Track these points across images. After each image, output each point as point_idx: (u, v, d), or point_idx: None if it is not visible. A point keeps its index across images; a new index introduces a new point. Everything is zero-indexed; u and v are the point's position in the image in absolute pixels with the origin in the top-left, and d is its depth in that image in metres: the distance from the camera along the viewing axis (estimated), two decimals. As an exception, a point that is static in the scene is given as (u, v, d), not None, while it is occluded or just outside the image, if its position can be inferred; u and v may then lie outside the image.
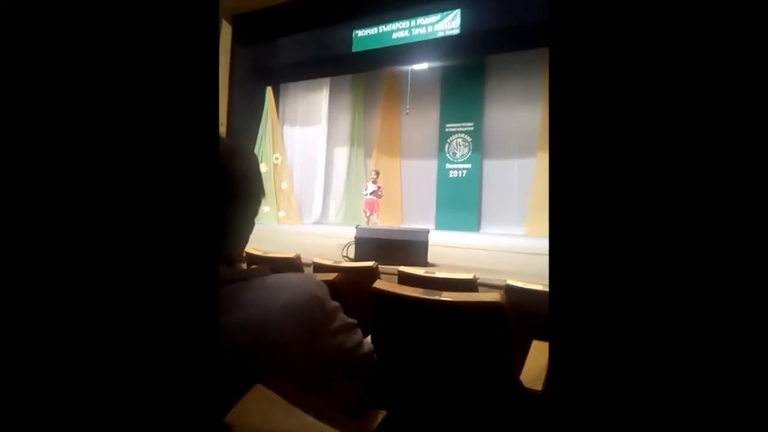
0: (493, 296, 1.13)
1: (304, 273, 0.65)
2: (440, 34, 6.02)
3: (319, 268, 2.17)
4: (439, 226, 7.76)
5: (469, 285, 1.85)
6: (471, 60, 7.23)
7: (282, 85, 8.24)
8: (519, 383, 1.17)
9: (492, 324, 1.13)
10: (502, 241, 5.93)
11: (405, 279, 1.98)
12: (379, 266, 2.19)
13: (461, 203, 7.68)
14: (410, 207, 8.22)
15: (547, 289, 1.76)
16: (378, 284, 1.29)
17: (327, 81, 8.09)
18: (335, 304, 0.60)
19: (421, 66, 7.04)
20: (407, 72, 7.53)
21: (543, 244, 5.39)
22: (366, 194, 6.71)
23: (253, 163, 0.59)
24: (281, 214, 7.67)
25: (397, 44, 6.25)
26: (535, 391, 1.14)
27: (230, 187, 0.54)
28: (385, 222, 7.36)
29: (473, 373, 1.18)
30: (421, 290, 1.24)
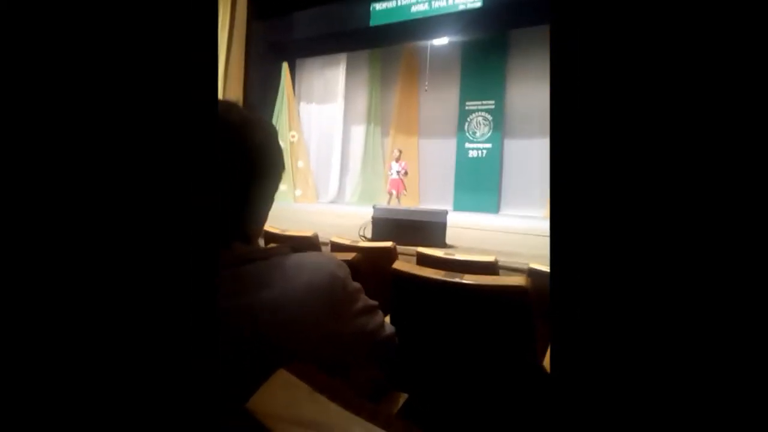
0: (518, 280, 1.08)
1: (325, 253, 0.61)
2: (461, 8, 5.81)
3: (336, 247, 2.15)
4: (458, 207, 7.66)
5: (490, 268, 1.80)
6: (493, 35, 6.98)
7: (298, 61, 8.13)
8: (542, 369, 1.13)
9: (515, 308, 1.09)
10: (523, 223, 5.82)
11: (424, 260, 1.94)
12: (397, 247, 2.16)
13: (481, 184, 7.55)
14: (428, 187, 8.12)
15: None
16: (397, 265, 1.26)
17: (344, 57, 7.94)
18: (357, 285, 0.58)
19: (441, 41, 6.84)
20: (426, 47, 7.32)
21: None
22: (391, 174, 6.62)
23: (272, 135, 0.56)
24: (298, 192, 7.69)
25: (416, 18, 6.07)
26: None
27: (248, 160, 0.51)
28: (402, 202, 7.30)
29: (495, 357, 1.15)
30: (442, 272, 1.21)
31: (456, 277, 1.17)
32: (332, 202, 8.13)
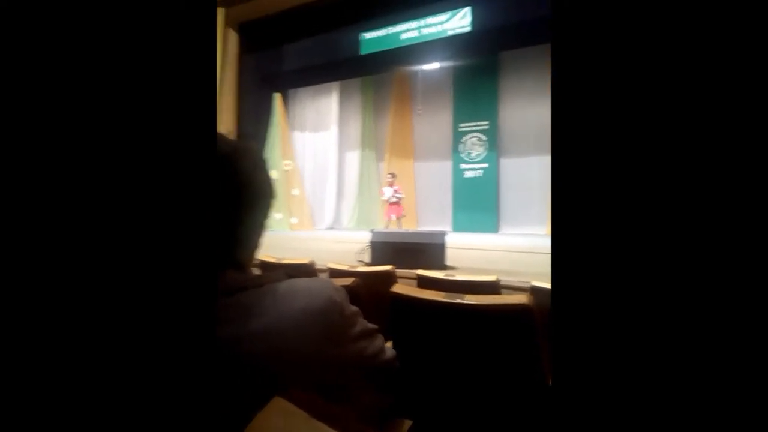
0: (520, 298, 1.05)
1: (321, 278, 0.60)
2: (450, 33, 5.93)
3: (335, 273, 2.10)
4: (457, 228, 7.63)
5: (492, 287, 1.76)
6: (483, 57, 7.12)
7: (291, 91, 8.25)
8: (549, 387, 1.08)
9: (519, 327, 1.05)
10: (523, 241, 5.79)
11: (424, 282, 1.90)
12: (397, 270, 2.11)
13: (478, 204, 7.54)
14: (426, 210, 8.11)
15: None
16: (396, 288, 1.22)
17: (336, 85, 8.07)
18: (355, 308, 0.57)
19: (432, 66, 6.97)
20: (418, 72, 7.46)
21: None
22: (386, 199, 6.59)
23: (260, 163, 0.56)
24: (293, 220, 7.65)
25: (406, 45, 6.19)
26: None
27: (236, 188, 0.52)
28: (401, 225, 7.27)
29: (501, 377, 1.11)
30: (442, 294, 1.17)
31: (457, 298, 1.14)
32: (329, 228, 8.09)
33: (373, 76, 8.04)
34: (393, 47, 6.30)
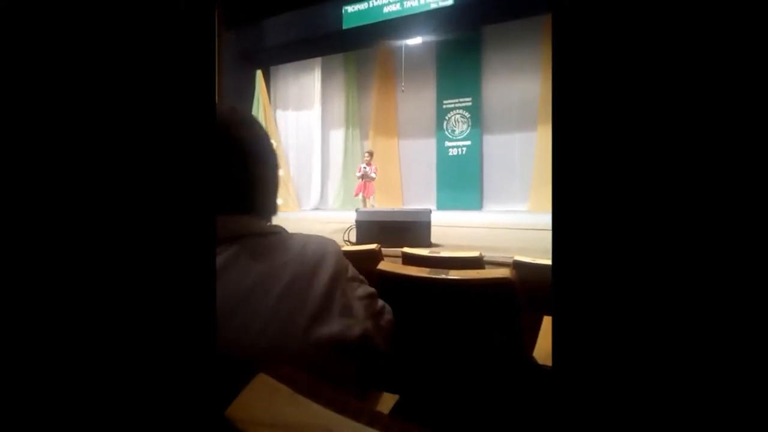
0: (503, 272, 1.08)
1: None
2: (433, 6, 5.85)
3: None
4: (441, 206, 7.69)
5: (476, 263, 1.80)
6: (466, 32, 7.03)
7: (272, 68, 8.06)
8: (532, 360, 1.13)
9: (502, 300, 1.08)
10: (506, 218, 5.88)
11: (409, 260, 1.93)
12: (383, 249, 2.14)
13: (462, 182, 7.59)
14: (410, 187, 8.13)
15: (556, 262, 1.72)
16: (382, 266, 1.24)
17: (318, 61, 7.91)
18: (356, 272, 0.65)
19: (415, 41, 6.87)
20: (401, 48, 7.35)
21: (547, 219, 5.34)
22: (359, 176, 6.53)
23: (257, 124, 0.64)
24: (279, 201, 7.55)
25: (389, 18, 6.09)
26: (548, 367, 1.11)
27: (246, 147, 0.59)
28: (385, 204, 7.27)
29: (485, 351, 1.15)
30: (427, 269, 1.20)
31: (441, 274, 1.16)
32: (315, 209, 8.07)
33: (357, 51, 7.90)
34: (376, 21, 6.19)
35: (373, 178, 6.45)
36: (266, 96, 7.72)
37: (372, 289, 0.67)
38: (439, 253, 1.92)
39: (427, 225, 3.22)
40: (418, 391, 1.17)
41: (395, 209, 3.86)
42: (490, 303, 1.12)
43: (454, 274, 1.14)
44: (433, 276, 1.16)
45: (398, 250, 2.12)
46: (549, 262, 1.73)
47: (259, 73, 7.56)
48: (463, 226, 4.84)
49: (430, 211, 3.25)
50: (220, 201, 0.52)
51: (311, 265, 0.54)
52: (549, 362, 1.12)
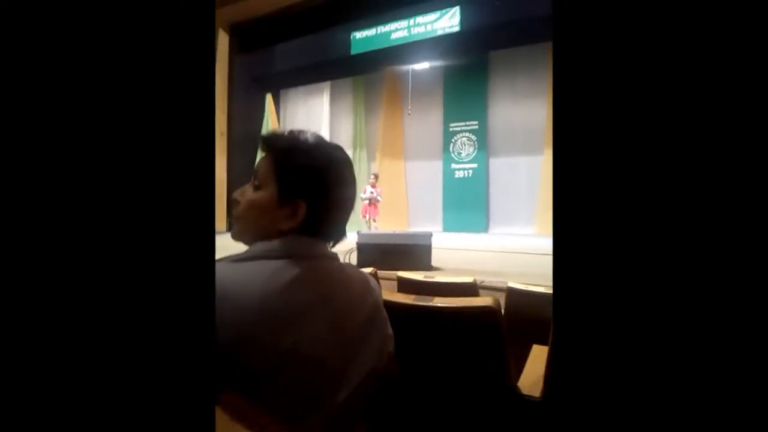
0: (486, 301, 1.06)
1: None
2: (440, 32, 5.96)
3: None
4: (447, 228, 7.67)
5: (470, 289, 1.78)
6: (473, 57, 7.15)
7: (282, 92, 8.25)
8: (516, 390, 1.11)
9: (485, 329, 1.07)
10: (511, 241, 5.84)
11: (404, 284, 1.91)
12: (383, 271, 2.13)
13: (469, 204, 7.58)
14: (417, 209, 8.14)
15: (549, 291, 1.69)
16: (369, 292, 1.23)
17: (327, 85, 8.08)
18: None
19: (422, 65, 6.99)
20: (408, 72, 7.48)
21: (550, 243, 5.27)
22: (364, 198, 6.55)
23: (316, 156, 0.60)
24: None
25: (396, 44, 6.22)
26: (533, 397, 1.08)
27: (315, 170, 0.58)
28: (391, 226, 7.26)
29: (468, 379, 1.13)
30: (413, 296, 1.19)
31: (427, 301, 1.15)
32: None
33: (364, 76, 8.05)
34: (383, 47, 6.32)
35: (378, 201, 6.48)
36: (275, 118, 7.88)
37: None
38: (434, 278, 1.91)
39: (427, 248, 3.20)
40: (399, 418, 1.15)
41: (396, 232, 3.86)
42: (474, 331, 1.10)
43: (438, 302, 1.13)
44: (418, 303, 1.15)
45: (395, 274, 2.11)
46: (542, 289, 1.71)
47: (268, 97, 7.74)
48: (467, 249, 4.81)
49: (430, 235, 3.24)
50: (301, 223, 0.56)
51: (376, 294, 0.63)
52: (534, 392, 1.09)
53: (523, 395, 1.11)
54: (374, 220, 6.46)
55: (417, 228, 7.66)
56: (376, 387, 0.59)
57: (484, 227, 7.46)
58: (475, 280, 1.82)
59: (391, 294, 1.22)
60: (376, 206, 6.49)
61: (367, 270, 2.04)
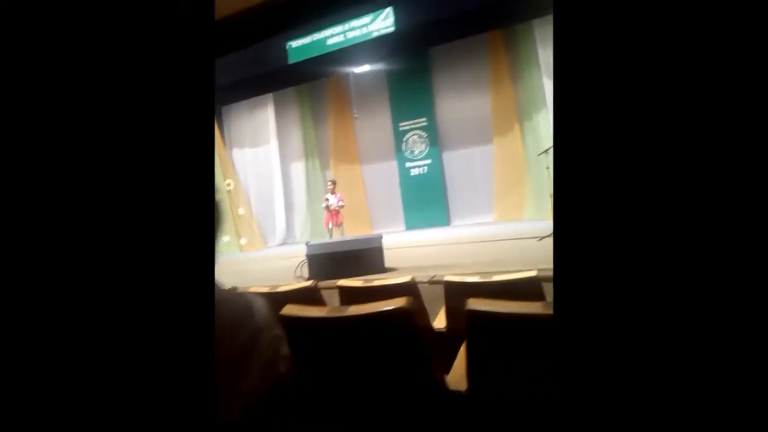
0: (399, 302, 1.01)
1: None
2: (375, 34, 5.94)
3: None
4: (409, 226, 7.66)
5: (408, 288, 1.73)
6: (413, 56, 7.18)
7: (224, 108, 8.00)
8: (442, 385, 1.06)
9: (400, 330, 1.02)
10: (470, 231, 5.89)
11: (345, 293, 1.85)
12: (333, 281, 2.05)
13: (428, 200, 7.60)
14: (377, 212, 8.09)
15: (483, 279, 1.67)
16: (287, 309, 1.16)
17: (270, 97, 7.90)
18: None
19: (363, 68, 6.96)
20: (350, 77, 7.43)
21: (510, 228, 5.36)
22: (327, 207, 6.40)
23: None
24: (242, 241, 7.41)
25: (334, 50, 6.15)
26: (459, 391, 1.04)
27: None
28: (355, 231, 7.17)
29: (393, 382, 1.08)
30: (326, 309, 1.13)
31: (341, 312, 1.10)
32: (282, 243, 7.90)
33: (307, 84, 7.94)
34: (320, 53, 6.23)
35: (341, 207, 6.31)
36: (219, 136, 7.63)
37: None
38: (372, 282, 1.84)
39: (379, 251, 3.15)
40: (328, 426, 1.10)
41: (345, 239, 3.79)
42: (391, 334, 1.05)
43: (351, 310, 1.07)
44: (332, 315, 1.09)
45: (335, 283, 2.03)
46: (477, 278, 1.68)
47: (211, 114, 7.48)
48: (425, 246, 4.80)
49: (380, 237, 3.19)
50: None
51: (258, 318, 0.58)
52: (460, 386, 1.05)
53: (450, 390, 1.06)
54: (338, 227, 6.30)
55: (380, 230, 7.61)
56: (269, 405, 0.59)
57: (444, 221, 7.50)
58: (413, 278, 1.78)
59: (305, 309, 1.15)
60: (338, 213, 6.33)
61: (306, 284, 1.95)
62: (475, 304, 0.94)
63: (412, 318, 1.01)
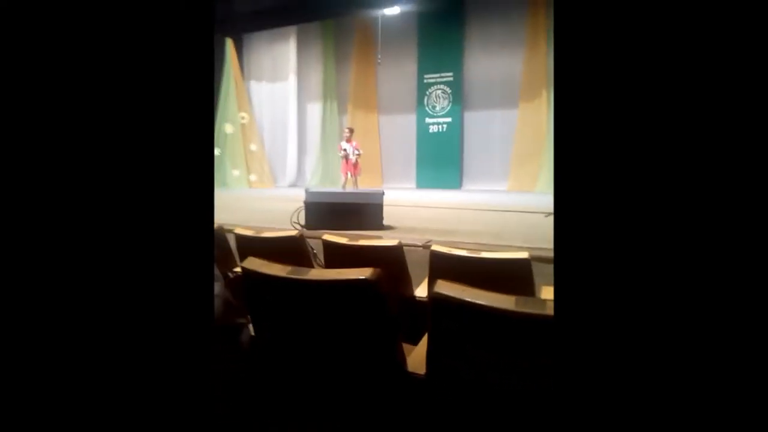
0: (364, 273, 0.93)
1: None
2: (410, -26, 5.51)
3: (240, 239, 1.97)
4: (421, 184, 7.52)
5: (394, 252, 1.65)
6: (446, 2, 6.68)
7: (245, 37, 7.66)
8: (401, 366, 1.00)
9: (364, 302, 0.95)
10: (481, 198, 5.74)
11: (328, 248, 1.78)
12: (306, 232, 1.99)
13: (442, 160, 7.39)
14: (390, 165, 7.92)
15: (472, 254, 1.57)
16: (247, 263, 1.09)
17: (293, 30, 7.52)
18: None
19: (393, 10, 6.52)
20: (379, 19, 7.00)
21: (521, 199, 5.20)
22: (343, 155, 6.14)
23: None
24: (252, 177, 7.37)
25: (364, -15, 5.74)
26: (418, 375, 0.99)
27: None
28: (366, 183, 7.02)
29: (350, 355, 1.03)
30: (288, 268, 1.06)
31: (302, 274, 1.02)
32: (291, 185, 7.84)
33: (334, 21, 7.52)
34: (350, -12, 5.84)
35: (358, 155, 6.01)
36: (237, 67, 7.37)
37: None
38: (358, 241, 1.77)
39: (379, 207, 3.06)
40: (282, 392, 1.06)
41: (347, 191, 3.70)
42: (354, 304, 0.98)
43: (312, 275, 0.99)
44: (292, 276, 1.01)
45: (326, 234, 1.97)
46: (465, 252, 1.58)
47: (229, 42, 7.19)
48: (432, 207, 4.69)
49: (382, 193, 3.09)
50: None
51: None
52: (419, 370, 0.99)
53: (408, 372, 1.01)
54: (356, 178, 6.05)
55: (391, 184, 7.50)
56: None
57: (457, 184, 7.34)
58: (400, 242, 1.69)
59: (266, 266, 1.08)
60: (357, 163, 6.06)
61: (291, 233, 1.89)
62: (443, 287, 0.85)
63: (377, 290, 0.93)
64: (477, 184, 7.23)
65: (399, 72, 7.61)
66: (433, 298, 0.88)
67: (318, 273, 0.98)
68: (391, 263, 1.65)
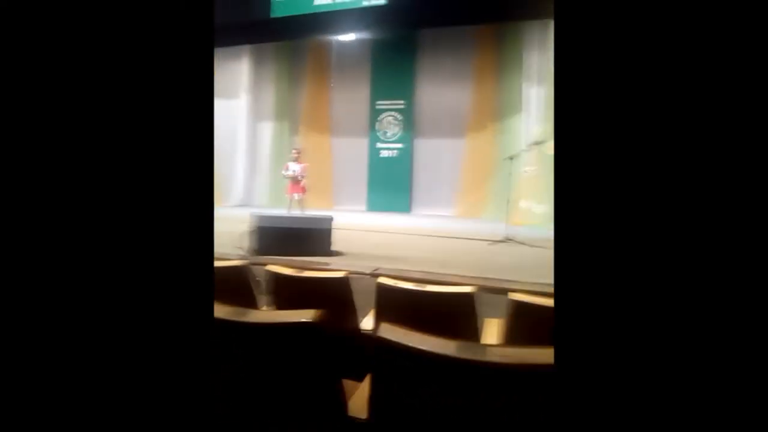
0: (306, 315, 0.91)
1: None
2: (365, 4, 5.67)
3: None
4: (371, 207, 7.57)
5: (340, 284, 1.63)
6: (399, 33, 6.94)
7: (196, 53, 7.46)
8: (341, 409, 0.98)
9: (306, 345, 0.93)
10: (429, 223, 5.87)
11: (274, 279, 1.73)
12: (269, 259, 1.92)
13: (393, 184, 7.51)
14: (341, 187, 7.91)
15: (419, 288, 1.59)
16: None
17: (247, 49, 7.44)
18: None
19: (349, 37, 6.66)
20: (334, 43, 7.10)
21: (467, 227, 5.37)
22: (289, 175, 6.02)
23: None
24: (197, 195, 7.05)
25: (320, 11, 5.83)
26: (358, 419, 0.97)
27: None
28: (316, 205, 6.93)
29: (291, 397, 0.99)
30: (228, 309, 1.01)
31: (240, 316, 0.99)
32: (239, 205, 7.58)
33: (289, 42, 7.53)
34: (306, 12, 5.90)
35: (302, 178, 5.90)
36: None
37: None
38: (302, 273, 1.73)
39: (327, 233, 3.04)
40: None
41: (296, 215, 3.66)
42: (295, 348, 0.95)
43: (253, 317, 0.96)
44: (231, 319, 0.97)
45: (273, 261, 1.91)
46: (411, 285, 1.60)
47: (179, 56, 6.95)
48: (382, 232, 4.73)
49: (331, 219, 3.07)
50: None
51: None
52: (361, 414, 0.97)
53: (349, 416, 0.99)
54: (300, 199, 5.92)
55: (341, 206, 7.48)
56: None
57: (406, 208, 7.46)
58: (347, 274, 1.68)
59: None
60: (301, 184, 5.94)
61: (236, 263, 1.82)
62: (386, 331, 0.85)
63: (321, 334, 0.91)
64: (426, 209, 7.39)
65: (352, 96, 7.71)
66: (376, 341, 0.88)
67: (260, 315, 0.96)
68: (336, 296, 1.63)
